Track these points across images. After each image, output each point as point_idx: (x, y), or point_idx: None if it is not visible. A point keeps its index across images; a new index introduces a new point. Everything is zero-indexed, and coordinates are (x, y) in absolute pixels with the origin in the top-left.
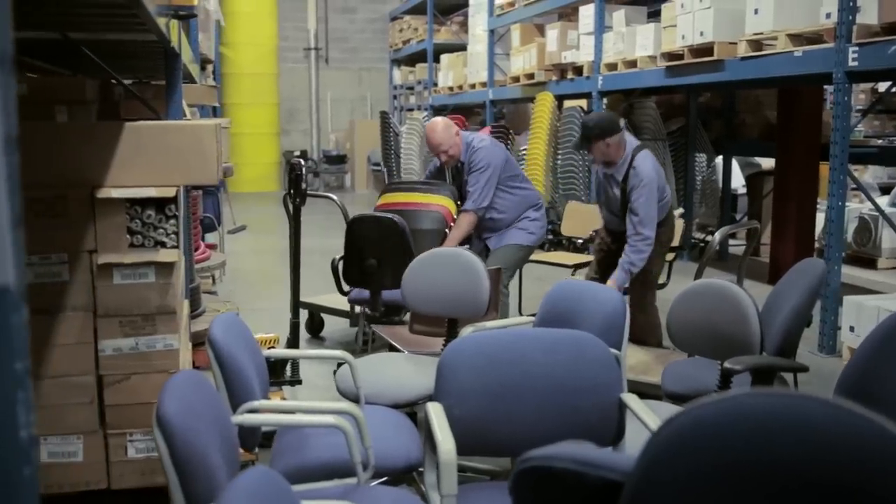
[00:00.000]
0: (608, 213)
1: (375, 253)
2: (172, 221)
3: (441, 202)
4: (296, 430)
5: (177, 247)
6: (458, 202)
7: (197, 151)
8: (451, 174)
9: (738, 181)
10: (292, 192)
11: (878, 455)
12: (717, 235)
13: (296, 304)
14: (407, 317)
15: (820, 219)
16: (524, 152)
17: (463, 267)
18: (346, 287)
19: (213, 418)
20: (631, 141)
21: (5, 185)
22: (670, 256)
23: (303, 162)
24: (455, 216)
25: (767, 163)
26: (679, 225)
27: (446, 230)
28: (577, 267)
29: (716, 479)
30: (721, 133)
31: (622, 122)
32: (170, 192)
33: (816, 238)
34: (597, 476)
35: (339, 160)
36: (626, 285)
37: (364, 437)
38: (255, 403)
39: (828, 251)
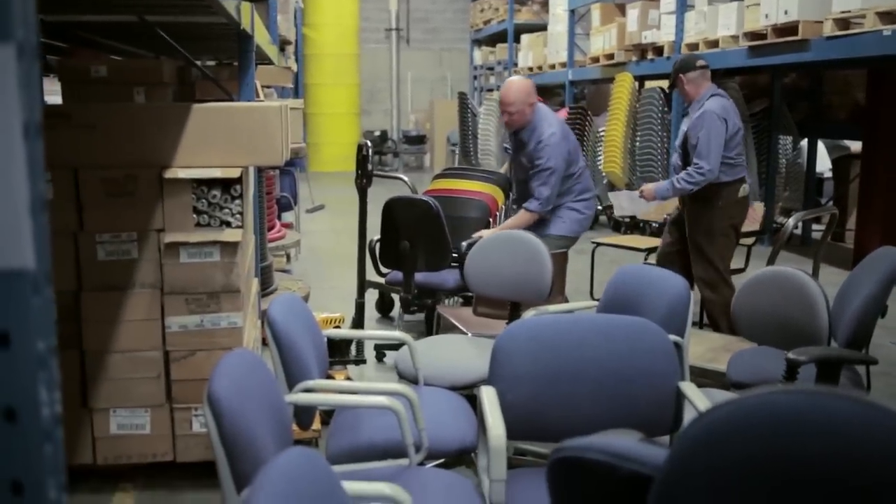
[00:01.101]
0: (676, 156)
1: (409, 235)
2: (238, 202)
3: (487, 190)
4: (352, 410)
5: (241, 227)
6: (510, 191)
7: (262, 133)
8: (516, 143)
9: (824, 165)
10: (359, 172)
11: None
12: (791, 221)
13: (361, 285)
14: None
15: None
16: (602, 133)
17: (527, 250)
18: (384, 269)
19: (265, 397)
20: (713, 88)
21: (26, 170)
22: (749, 241)
23: (369, 143)
24: (501, 204)
25: (856, 146)
26: (759, 209)
27: (490, 219)
28: (650, 251)
29: (745, 474)
30: (807, 115)
31: (700, 63)
32: (234, 173)
33: None
34: (628, 469)
35: (419, 140)
36: (661, 199)
37: (417, 419)
38: (311, 383)
39: None
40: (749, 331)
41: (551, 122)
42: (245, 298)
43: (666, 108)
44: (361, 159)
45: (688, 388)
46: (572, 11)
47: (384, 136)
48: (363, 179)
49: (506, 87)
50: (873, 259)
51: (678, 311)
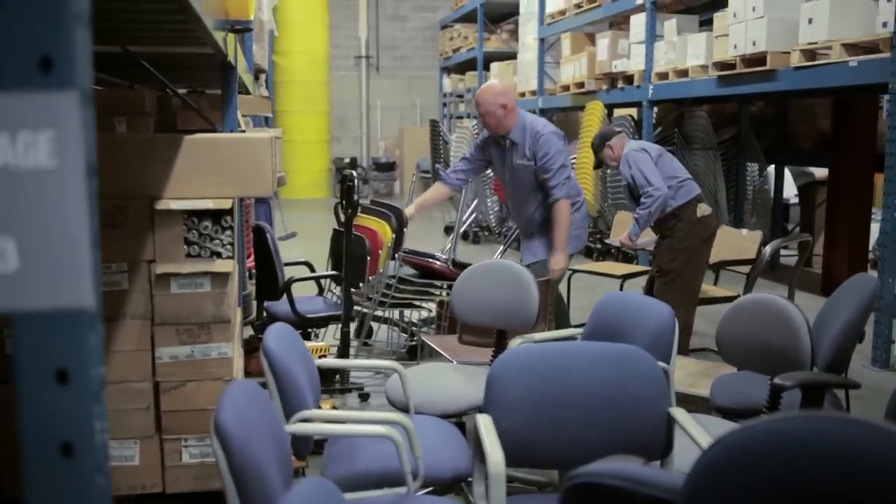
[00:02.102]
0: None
1: (256, 262)
2: (228, 232)
3: (372, 225)
4: (346, 439)
5: (232, 257)
6: (399, 228)
7: (253, 164)
8: (502, 151)
9: (790, 191)
10: (344, 202)
11: None
12: (768, 248)
13: (347, 313)
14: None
15: (874, 229)
16: (573, 161)
17: (513, 279)
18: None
19: (268, 427)
20: (629, 142)
21: (87, 210)
22: (744, 269)
23: (355, 174)
24: (387, 242)
25: (821, 172)
26: (756, 238)
27: (368, 256)
28: (625, 277)
29: (764, 497)
30: (773, 142)
31: (617, 130)
32: (226, 204)
33: (870, 249)
34: (646, 494)
35: (389, 167)
36: (635, 237)
37: (414, 448)
38: (308, 413)
39: (882, 263)
40: (732, 356)
41: (542, 122)
42: (234, 328)
43: (636, 136)
44: (347, 189)
45: (678, 413)
46: (542, 40)
47: (354, 163)
48: (348, 210)
49: (481, 90)
50: (850, 286)
51: (664, 338)
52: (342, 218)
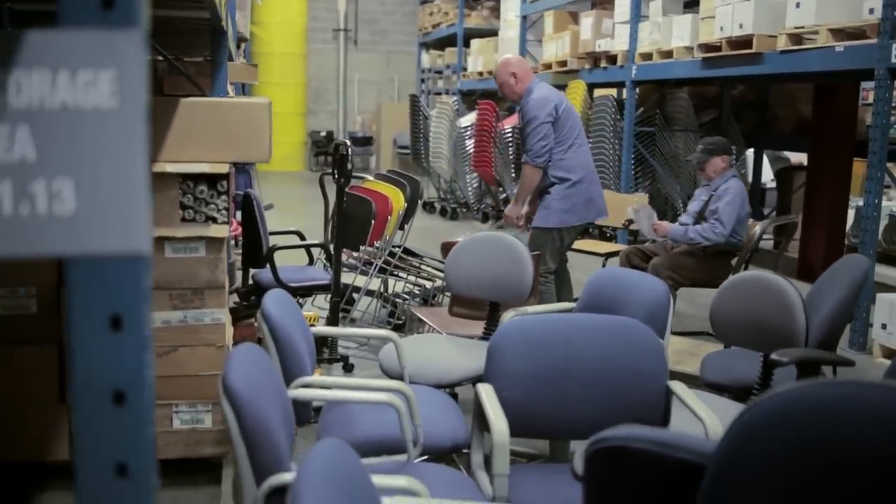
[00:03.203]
0: (686, 216)
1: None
2: (224, 197)
3: (384, 190)
4: (342, 407)
5: (227, 222)
6: (413, 199)
7: (251, 128)
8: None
9: (766, 175)
10: (336, 172)
11: None
12: (758, 228)
13: (337, 284)
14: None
15: (849, 215)
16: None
17: (507, 251)
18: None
19: (274, 391)
20: (733, 170)
21: (146, 152)
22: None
23: (348, 142)
24: (399, 210)
25: (797, 158)
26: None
27: (373, 219)
28: (608, 256)
29: (800, 462)
30: (753, 126)
31: (732, 149)
32: (222, 169)
33: (845, 234)
34: (676, 458)
35: (366, 142)
36: (673, 240)
37: (414, 416)
38: (308, 379)
39: (862, 248)
40: (724, 332)
41: (538, 89)
42: (226, 294)
43: (618, 116)
44: (340, 159)
45: (677, 386)
46: (524, 18)
47: (330, 136)
48: (341, 179)
49: (495, 67)
50: (841, 266)
51: (658, 314)
52: (329, 189)
